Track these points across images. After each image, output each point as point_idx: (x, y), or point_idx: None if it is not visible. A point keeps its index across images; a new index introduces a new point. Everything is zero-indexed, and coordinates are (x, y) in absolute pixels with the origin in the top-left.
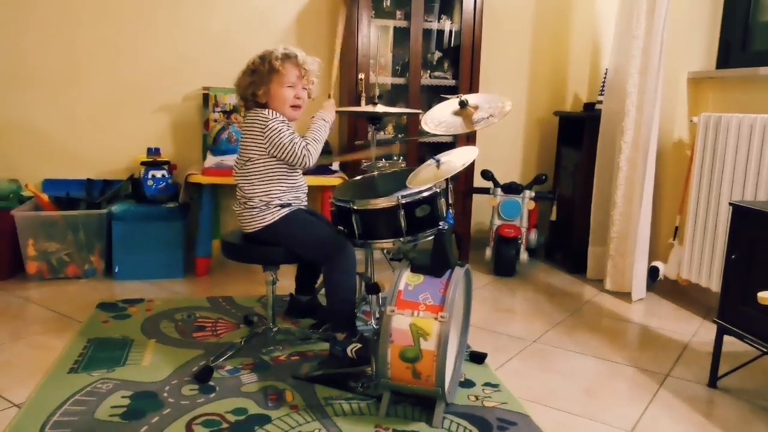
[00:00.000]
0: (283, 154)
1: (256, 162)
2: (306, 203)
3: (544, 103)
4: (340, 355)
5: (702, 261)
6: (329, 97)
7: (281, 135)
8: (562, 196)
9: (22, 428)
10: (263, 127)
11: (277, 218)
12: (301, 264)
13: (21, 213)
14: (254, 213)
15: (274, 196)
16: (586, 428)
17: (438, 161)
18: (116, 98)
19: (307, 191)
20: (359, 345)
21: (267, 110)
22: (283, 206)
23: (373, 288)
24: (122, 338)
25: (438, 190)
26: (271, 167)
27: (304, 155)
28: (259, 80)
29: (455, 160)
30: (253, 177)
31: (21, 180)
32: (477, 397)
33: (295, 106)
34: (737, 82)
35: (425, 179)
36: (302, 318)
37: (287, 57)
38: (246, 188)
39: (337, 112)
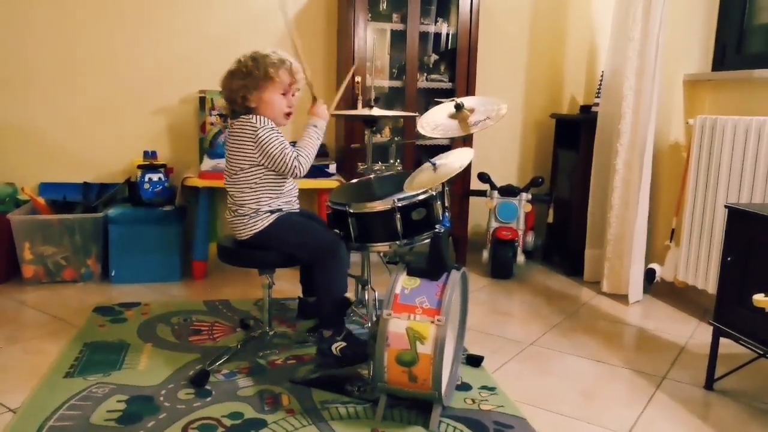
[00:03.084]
0: (273, 163)
1: (246, 171)
2: (298, 207)
3: (540, 106)
4: (326, 353)
5: (698, 263)
6: (314, 99)
7: (271, 144)
8: (559, 199)
9: None
10: (253, 135)
11: (267, 224)
12: (304, 266)
13: (17, 216)
14: (245, 220)
15: (264, 203)
16: (582, 431)
17: (434, 164)
18: (113, 101)
19: (297, 194)
20: (343, 343)
21: (255, 117)
22: (273, 212)
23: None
24: (118, 342)
25: (434, 193)
26: (260, 175)
27: (295, 166)
28: (252, 85)
29: (451, 162)
30: (243, 185)
31: (17, 183)
32: (474, 401)
33: (287, 114)
34: (733, 85)
35: (422, 183)
36: (313, 318)
37: (282, 63)
38: (236, 196)
39: (333, 115)
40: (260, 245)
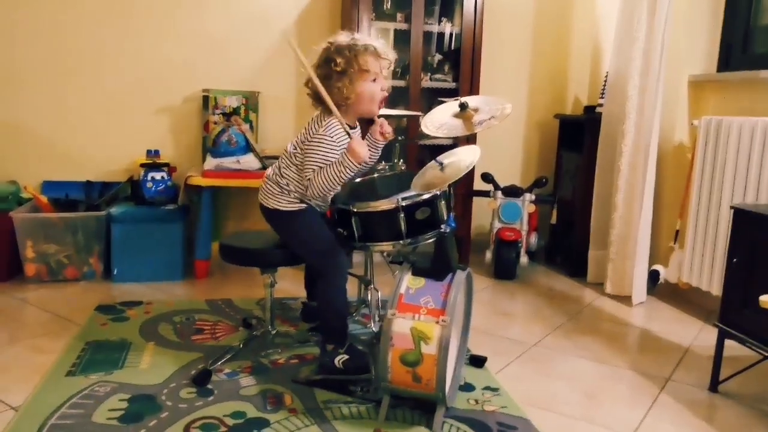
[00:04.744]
0: (302, 171)
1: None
2: (323, 208)
3: (544, 106)
4: (329, 366)
5: (703, 264)
6: (348, 130)
7: (312, 157)
8: (563, 199)
9: (19, 431)
10: (310, 135)
11: (290, 209)
12: (308, 269)
13: (20, 215)
14: (276, 191)
15: (301, 190)
16: None
17: (441, 164)
18: (116, 100)
19: (330, 203)
20: (346, 356)
21: (326, 122)
22: (302, 202)
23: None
24: (120, 341)
25: (438, 192)
26: None
27: (307, 186)
28: (348, 80)
29: (459, 161)
30: (296, 164)
31: (20, 182)
32: (477, 401)
33: (382, 99)
34: (738, 85)
35: (431, 183)
36: (316, 321)
37: (366, 49)
38: (284, 169)
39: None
40: (271, 223)
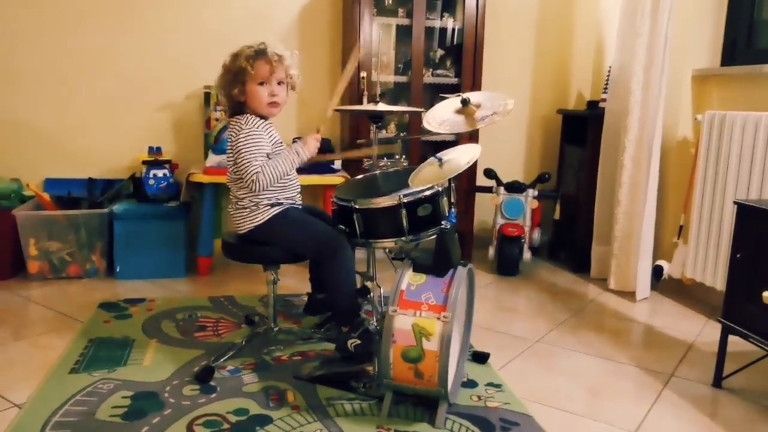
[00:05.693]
0: (238, 169)
1: None
2: (300, 202)
3: (547, 101)
4: (343, 348)
5: (707, 260)
6: (318, 131)
7: (243, 151)
8: (566, 195)
9: (22, 428)
10: (236, 137)
11: (267, 218)
12: (312, 263)
13: (22, 212)
14: (245, 213)
15: (263, 197)
16: (589, 428)
17: (440, 160)
18: (118, 97)
19: (300, 190)
20: (358, 341)
21: (245, 118)
22: (273, 206)
23: (362, 291)
24: (123, 338)
25: (440, 188)
26: None
27: (252, 180)
28: (234, 80)
29: (458, 158)
30: (241, 180)
31: (22, 179)
32: (480, 398)
33: (272, 104)
34: (742, 80)
35: (427, 178)
36: (320, 314)
37: (260, 54)
38: (236, 190)
39: (338, 110)
40: (261, 240)
